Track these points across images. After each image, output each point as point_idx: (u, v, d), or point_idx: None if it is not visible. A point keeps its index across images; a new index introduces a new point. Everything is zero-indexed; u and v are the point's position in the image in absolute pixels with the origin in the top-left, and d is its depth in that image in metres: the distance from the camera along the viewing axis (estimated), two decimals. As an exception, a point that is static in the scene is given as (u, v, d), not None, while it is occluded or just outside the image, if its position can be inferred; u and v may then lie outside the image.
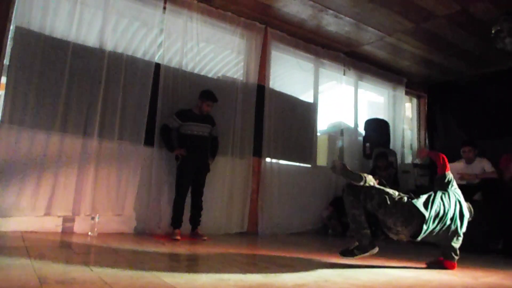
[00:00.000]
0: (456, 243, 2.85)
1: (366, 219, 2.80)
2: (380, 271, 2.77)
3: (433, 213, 2.69)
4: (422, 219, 2.66)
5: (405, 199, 2.76)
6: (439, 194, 2.83)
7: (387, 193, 2.76)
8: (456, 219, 2.79)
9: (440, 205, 2.75)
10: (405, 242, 2.96)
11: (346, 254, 2.84)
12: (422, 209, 2.67)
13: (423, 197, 2.79)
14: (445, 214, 2.74)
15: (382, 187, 2.84)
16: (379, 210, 2.71)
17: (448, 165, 3.01)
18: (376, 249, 2.82)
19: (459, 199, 2.91)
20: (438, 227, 2.72)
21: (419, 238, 2.72)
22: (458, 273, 2.79)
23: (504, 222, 4.20)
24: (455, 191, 2.94)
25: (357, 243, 2.83)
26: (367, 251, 2.79)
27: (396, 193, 2.81)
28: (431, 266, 2.95)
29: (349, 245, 2.89)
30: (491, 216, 4.22)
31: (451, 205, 2.81)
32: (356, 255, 2.80)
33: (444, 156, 3.03)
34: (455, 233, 2.81)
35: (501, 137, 5.45)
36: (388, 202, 2.69)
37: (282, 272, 2.50)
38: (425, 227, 2.66)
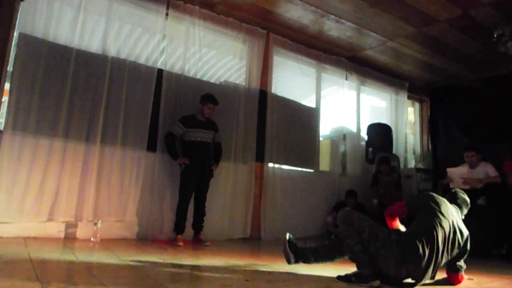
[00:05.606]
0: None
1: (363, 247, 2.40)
2: (383, 276, 2.74)
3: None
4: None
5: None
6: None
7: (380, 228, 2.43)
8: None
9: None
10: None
11: (342, 279, 2.43)
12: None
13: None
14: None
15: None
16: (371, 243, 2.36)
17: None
18: (378, 282, 2.39)
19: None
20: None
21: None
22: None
23: (508, 227, 4.17)
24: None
25: (357, 270, 2.44)
26: (367, 282, 2.37)
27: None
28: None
29: (347, 273, 2.46)
30: (495, 221, 4.19)
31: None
32: (353, 282, 2.38)
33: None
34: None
35: (504, 141, 5.42)
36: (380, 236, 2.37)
37: (285, 279, 2.49)
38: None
